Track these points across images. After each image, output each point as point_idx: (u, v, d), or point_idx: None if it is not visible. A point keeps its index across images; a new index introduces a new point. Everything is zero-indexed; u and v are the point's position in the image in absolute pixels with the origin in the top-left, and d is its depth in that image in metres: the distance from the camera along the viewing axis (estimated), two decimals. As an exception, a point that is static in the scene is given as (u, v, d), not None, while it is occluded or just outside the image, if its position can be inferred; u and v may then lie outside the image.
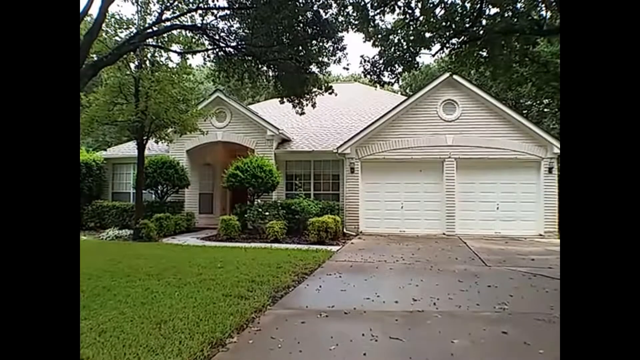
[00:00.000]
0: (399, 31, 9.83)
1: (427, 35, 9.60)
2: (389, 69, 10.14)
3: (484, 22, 9.43)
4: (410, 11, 9.52)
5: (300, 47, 10.88)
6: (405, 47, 9.85)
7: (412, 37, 9.70)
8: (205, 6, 10.96)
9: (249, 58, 11.60)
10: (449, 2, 9.35)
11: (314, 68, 11.76)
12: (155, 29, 11.04)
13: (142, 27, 12.10)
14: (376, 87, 16.20)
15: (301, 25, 10.55)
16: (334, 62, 11.51)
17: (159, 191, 16.79)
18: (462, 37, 9.63)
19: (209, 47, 11.95)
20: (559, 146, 15.02)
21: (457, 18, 9.36)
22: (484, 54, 9.91)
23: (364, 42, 9.93)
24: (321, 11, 10.37)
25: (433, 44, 9.77)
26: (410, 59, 9.89)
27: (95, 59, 10.91)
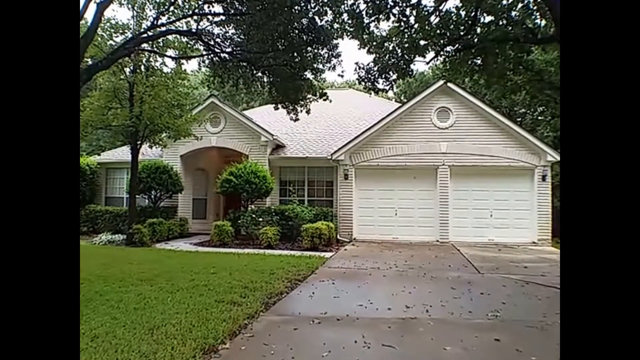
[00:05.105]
0: (393, 38, 9.87)
1: (422, 42, 9.64)
2: (383, 76, 10.19)
3: (478, 30, 9.48)
4: (405, 19, 9.57)
5: (295, 54, 10.91)
6: (399, 54, 9.89)
7: (406, 45, 9.74)
8: (201, 12, 10.98)
9: (244, 64, 11.62)
10: (444, 10, 9.40)
11: (308, 74, 11.81)
12: (150, 34, 11.05)
13: (137, 32, 12.10)
14: (371, 93, 16.26)
15: (296, 32, 10.58)
16: (329, 69, 11.57)
17: (153, 196, 16.75)
18: (457, 45, 9.68)
19: (204, 52, 11.97)
20: (552, 154, 15.12)
21: (452, 26, 9.41)
22: (478, 61, 9.96)
23: (359, 49, 9.95)
24: (316, 18, 10.41)
25: (427, 52, 9.82)
26: (404, 66, 9.93)
27: (90, 63, 10.91)
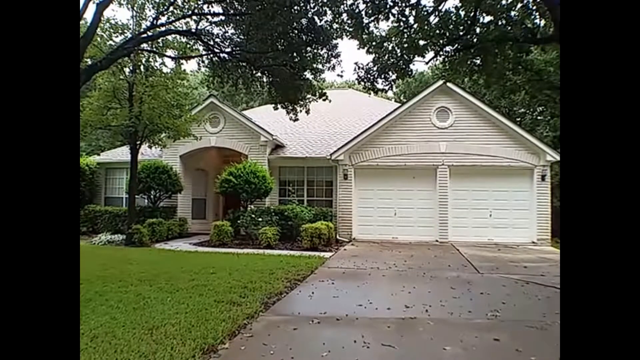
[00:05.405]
0: (393, 38, 9.87)
1: (421, 42, 9.63)
2: (382, 76, 10.17)
3: (477, 30, 9.48)
4: (404, 19, 9.56)
5: (295, 54, 10.90)
6: (399, 54, 9.88)
7: (406, 45, 9.73)
8: (200, 12, 10.97)
9: (244, 64, 11.61)
10: (443, 10, 9.40)
11: (308, 74, 11.79)
12: (149, 34, 11.03)
13: (136, 32, 12.09)
14: (370, 93, 16.26)
15: (296, 32, 10.57)
16: (328, 69, 11.55)
17: (152, 196, 16.75)
18: (456, 45, 9.67)
19: (204, 52, 11.95)
20: (552, 154, 15.14)
21: (451, 26, 9.41)
22: (478, 61, 9.95)
23: (358, 49, 9.95)
24: (316, 18, 10.40)
25: (427, 52, 9.81)
26: (404, 66, 9.92)
27: (90, 63, 10.90)
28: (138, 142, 14.63)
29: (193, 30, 11.14)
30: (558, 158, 14.96)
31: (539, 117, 24.38)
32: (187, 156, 18.35)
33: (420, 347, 4.88)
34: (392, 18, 9.59)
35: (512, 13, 9.41)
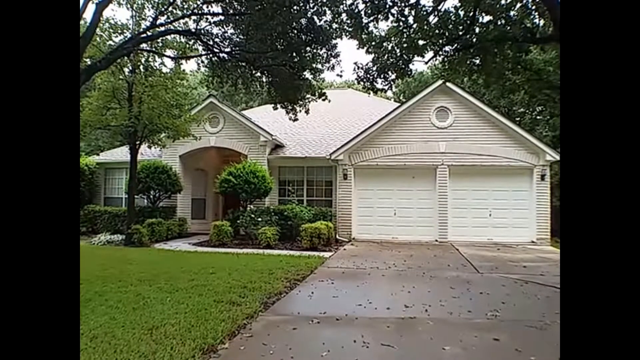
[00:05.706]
0: (392, 38, 9.86)
1: (421, 42, 9.63)
2: (382, 76, 10.17)
3: (477, 30, 9.47)
4: (403, 19, 9.56)
5: (294, 54, 10.89)
6: (398, 54, 9.88)
7: (405, 45, 9.73)
8: (200, 12, 10.97)
9: (243, 64, 11.60)
10: (443, 9, 9.40)
11: (307, 74, 11.78)
12: (149, 34, 11.02)
13: (136, 32, 12.08)
14: (369, 93, 16.27)
15: (295, 31, 10.57)
16: (328, 69, 11.53)
17: (151, 196, 16.74)
18: (455, 45, 9.66)
19: (203, 52, 11.94)
20: (551, 153, 15.13)
21: (451, 26, 9.40)
22: (477, 61, 9.94)
23: (358, 48, 9.95)
24: (315, 18, 10.40)
25: (426, 52, 9.81)
26: (403, 66, 9.92)
27: (89, 63, 10.89)
28: (137, 142, 14.63)
29: (192, 30, 11.13)
30: (558, 158, 14.96)
31: (538, 117, 24.40)
32: (186, 156, 18.35)
33: (420, 347, 4.88)
34: (391, 18, 9.59)
35: (512, 13, 9.41)
